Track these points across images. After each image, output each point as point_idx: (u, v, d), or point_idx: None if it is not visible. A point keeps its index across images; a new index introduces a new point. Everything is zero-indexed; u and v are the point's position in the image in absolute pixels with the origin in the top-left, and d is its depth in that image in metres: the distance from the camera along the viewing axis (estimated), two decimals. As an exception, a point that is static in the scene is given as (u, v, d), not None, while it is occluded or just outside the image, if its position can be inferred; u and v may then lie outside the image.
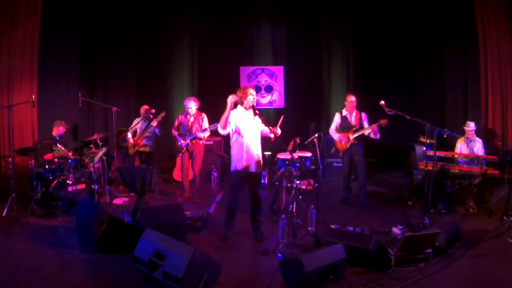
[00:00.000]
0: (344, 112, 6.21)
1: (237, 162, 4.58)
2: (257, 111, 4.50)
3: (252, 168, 4.56)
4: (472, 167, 5.84)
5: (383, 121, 5.72)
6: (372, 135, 5.94)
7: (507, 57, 6.43)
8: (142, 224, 4.23)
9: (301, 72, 8.94)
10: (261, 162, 4.68)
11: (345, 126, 6.13)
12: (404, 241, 3.90)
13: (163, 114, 6.50)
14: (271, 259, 4.17)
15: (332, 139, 6.39)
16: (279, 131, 4.55)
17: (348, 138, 6.02)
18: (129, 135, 6.76)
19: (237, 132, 4.56)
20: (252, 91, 4.55)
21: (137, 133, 6.81)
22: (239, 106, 4.61)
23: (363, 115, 6.16)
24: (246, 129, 4.55)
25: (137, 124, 6.80)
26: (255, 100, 4.56)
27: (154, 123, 6.44)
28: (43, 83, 6.90)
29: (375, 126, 5.83)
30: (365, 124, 6.06)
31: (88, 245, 4.38)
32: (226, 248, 4.55)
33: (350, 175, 6.29)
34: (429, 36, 8.25)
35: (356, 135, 5.98)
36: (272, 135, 4.59)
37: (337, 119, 6.26)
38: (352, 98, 6.17)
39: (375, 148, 7.19)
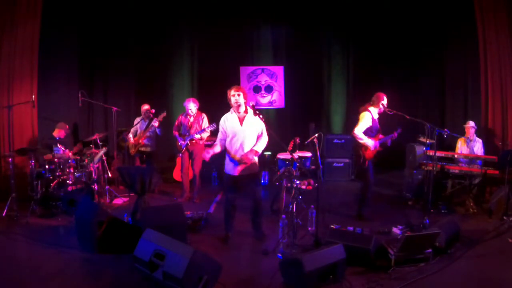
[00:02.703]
0: (375, 114, 5.35)
1: (226, 164, 4.65)
2: (257, 111, 4.48)
3: (237, 172, 4.51)
4: (472, 167, 5.84)
5: (400, 130, 5.46)
6: (388, 142, 5.47)
7: (507, 57, 6.43)
8: (142, 224, 4.22)
9: (301, 72, 8.93)
10: (254, 164, 4.57)
11: (375, 131, 5.37)
12: (404, 241, 3.90)
13: (164, 114, 6.51)
14: (271, 259, 4.17)
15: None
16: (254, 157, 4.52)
17: (377, 145, 5.33)
18: (130, 135, 6.76)
19: (226, 135, 4.58)
20: (233, 92, 4.43)
21: (138, 133, 6.82)
22: (231, 109, 4.58)
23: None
24: (233, 132, 4.53)
25: (137, 124, 6.81)
26: (237, 100, 4.41)
27: (156, 123, 6.45)
28: (43, 83, 6.90)
29: (396, 134, 5.50)
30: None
31: (88, 245, 4.37)
32: (226, 248, 4.55)
33: None
34: (429, 36, 8.27)
35: (382, 141, 5.39)
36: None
37: (369, 120, 5.27)
38: (384, 100, 5.30)
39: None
